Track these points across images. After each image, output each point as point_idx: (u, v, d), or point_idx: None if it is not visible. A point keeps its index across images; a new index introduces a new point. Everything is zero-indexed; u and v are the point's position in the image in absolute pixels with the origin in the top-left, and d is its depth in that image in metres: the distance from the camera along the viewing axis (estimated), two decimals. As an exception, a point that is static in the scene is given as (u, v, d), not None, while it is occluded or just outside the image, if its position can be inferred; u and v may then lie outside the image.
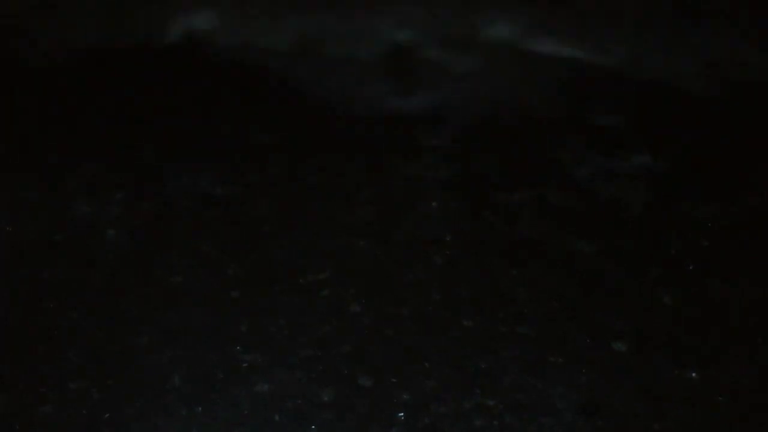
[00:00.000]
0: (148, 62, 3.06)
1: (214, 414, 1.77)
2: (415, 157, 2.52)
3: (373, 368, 1.86)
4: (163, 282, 2.09)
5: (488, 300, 2.02)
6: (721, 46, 2.97)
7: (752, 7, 3.01)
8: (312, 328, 1.96)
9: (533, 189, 2.37)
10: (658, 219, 2.27)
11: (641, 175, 2.42)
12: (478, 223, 2.26)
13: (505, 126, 2.67)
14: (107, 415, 1.76)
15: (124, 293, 2.06)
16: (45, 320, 1.99)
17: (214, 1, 3.32)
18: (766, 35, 2.95)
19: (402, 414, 1.76)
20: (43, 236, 2.24)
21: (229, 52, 3.10)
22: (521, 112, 2.73)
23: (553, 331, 1.94)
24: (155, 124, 2.72)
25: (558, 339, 1.92)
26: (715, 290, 2.04)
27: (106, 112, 2.79)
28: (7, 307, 2.04)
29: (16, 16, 3.33)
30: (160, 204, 2.36)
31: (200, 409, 1.78)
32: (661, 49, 2.99)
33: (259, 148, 2.58)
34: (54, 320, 1.99)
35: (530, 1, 3.25)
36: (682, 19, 3.12)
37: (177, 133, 2.67)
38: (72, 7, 3.33)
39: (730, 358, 1.86)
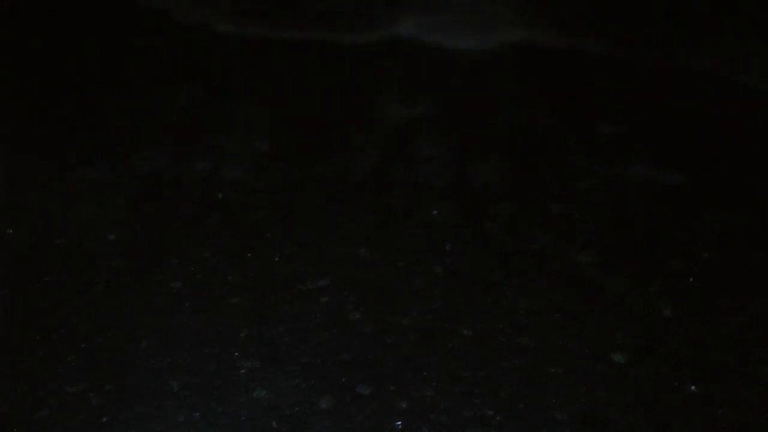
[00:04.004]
0: (151, 65, 3.07)
1: (212, 420, 1.76)
2: (415, 165, 2.52)
3: (371, 376, 1.85)
4: (162, 287, 2.09)
5: (488, 310, 2.02)
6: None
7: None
8: (311, 335, 1.96)
9: (534, 199, 2.38)
10: (658, 231, 2.26)
11: (643, 187, 2.42)
12: (478, 232, 2.26)
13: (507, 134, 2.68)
14: (105, 420, 1.76)
15: (123, 298, 2.06)
16: (44, 324, 1.99)
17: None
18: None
19: (400, 423, 1.76)
20: (44, 240, 2.24)
21: (233, 55, 3.11)
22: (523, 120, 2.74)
23: (552, 342, 1.93)
24: (156, 129, 2.73)
25: (557, 350, 1.91)
26: (716, 303, 2.03)
27: (108, 115, 2.79)
28: (7, 311, 2.04)
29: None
30: (161, 209, 2.36)
31: (198, 414, 1.77)
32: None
33: (260, 156, 2.59)
34: (53, 324, 1.99)
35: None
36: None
37: (178, 138, 2.67)
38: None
39: (730, 372, 1.86)
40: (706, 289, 2.07)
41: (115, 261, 2.18)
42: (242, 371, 1.87)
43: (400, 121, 2.74)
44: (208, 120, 2.77)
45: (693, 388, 1.82)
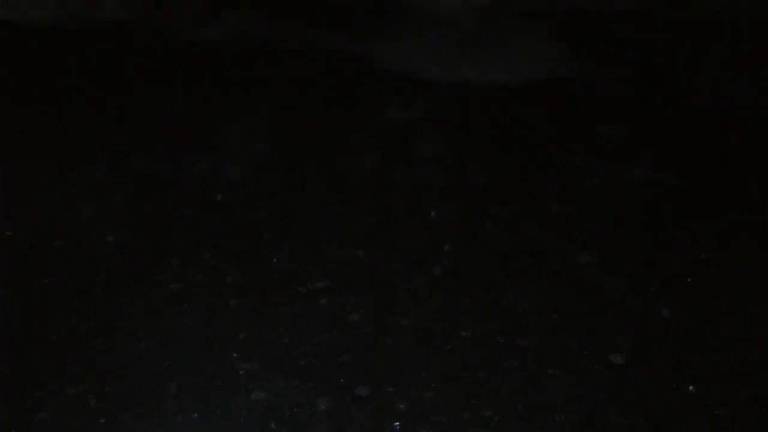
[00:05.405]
0: (152, 68, 3.07)
1: (210, 421, 1.76)
2: (415, 165, 2.52)
3: (370, 378, 1.85)
4: (162, 289, 2.09)
5: (487, 311, 2.02)
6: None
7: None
8: (310, 336, 1.95)
9: (534, 199, 2.37)
10: (658, 231, 2.26)
11: (643, 187, 2.42)
12: (477, 233, 2.26)
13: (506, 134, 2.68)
14: (103, 421, 1.76)
15: (123, 299, 2.06)
16: (44, 325, 1.99)
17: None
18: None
19: (398, 424, 1.76)
20: (43, 242, 2.24)
21: (229, 57, 3.11)
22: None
23: (551, 343, 1.93)
24: (156, 131, 2.73)
25: (557, 351, 1.91)
26: (716, 303, 2.03)
27: (108, 118, 2.80)
28: (7, 311, 2.04)
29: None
30: (161, 209, 2.36)
31: (197, 416, 1.77)
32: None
33: (260, 156, 2.58)
34: (53, 325, 1.99)
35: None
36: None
37: (177, 140, 2.67)
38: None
39: (728, 372, 1.85)
40: (706, 289, 2.07)
41: (115, 261, 2.18)
42: (241, 372, 1.87)
43: (400, 121, 2.73)
44: (208, 120, 2.77)
45: (693, 388, 1.82)
